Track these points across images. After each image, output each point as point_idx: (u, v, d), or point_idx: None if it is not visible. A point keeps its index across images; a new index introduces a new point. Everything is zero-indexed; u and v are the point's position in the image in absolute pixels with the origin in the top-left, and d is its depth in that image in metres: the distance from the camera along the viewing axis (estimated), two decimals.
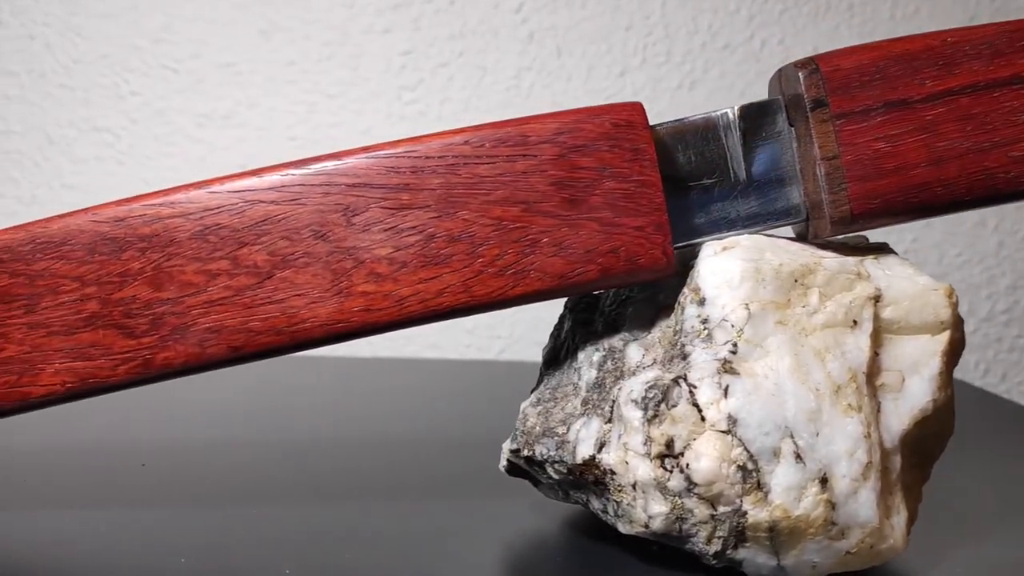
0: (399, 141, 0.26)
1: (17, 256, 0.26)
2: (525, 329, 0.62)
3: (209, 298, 0.26)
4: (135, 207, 0.26)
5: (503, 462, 0.28)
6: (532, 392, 0.28)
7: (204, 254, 0.26)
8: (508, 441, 0.27)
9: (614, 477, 0.24)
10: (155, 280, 0.26)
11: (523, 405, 0.28)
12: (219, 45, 0.61)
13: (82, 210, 0.26)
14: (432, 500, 0.31)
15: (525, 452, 0.26)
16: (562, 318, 0.30)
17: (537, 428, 0.26)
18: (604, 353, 0.27)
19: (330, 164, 0.26)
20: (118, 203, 0.26)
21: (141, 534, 0.27)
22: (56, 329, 0.26)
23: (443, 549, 0.27)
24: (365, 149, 0.26)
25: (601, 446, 0.25)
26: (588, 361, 0.27)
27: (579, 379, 0.27)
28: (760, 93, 0.61)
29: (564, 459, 0.25)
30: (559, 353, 0.28)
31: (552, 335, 0.30)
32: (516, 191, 0.26)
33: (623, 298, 0.28)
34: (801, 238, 0.28)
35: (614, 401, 0.25)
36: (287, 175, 0.26)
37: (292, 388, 0.48)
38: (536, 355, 0.58)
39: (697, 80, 0.61)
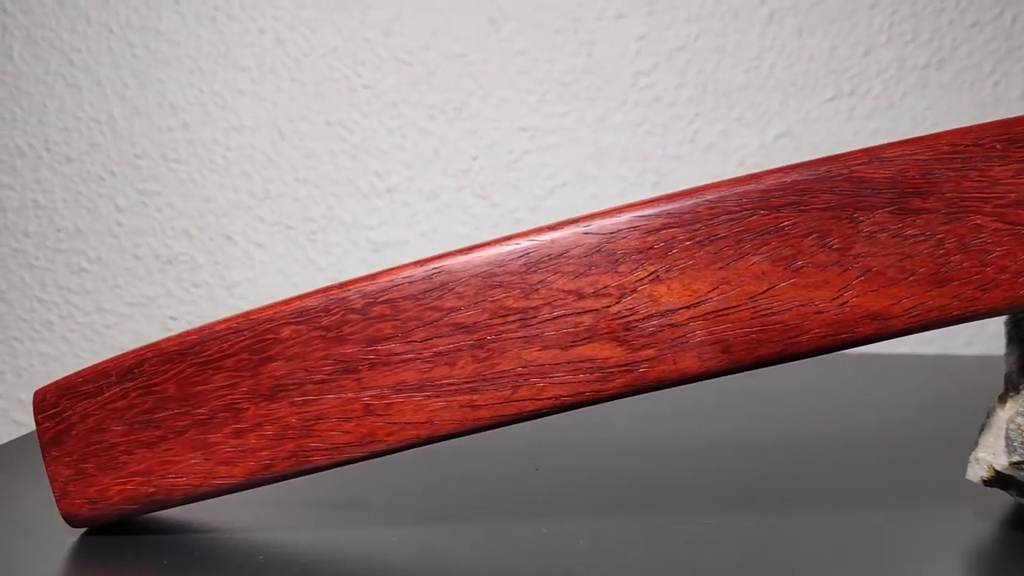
0: (905, 142, 0.25)
1: (510, 270, 0.25)
2: None
3: (710, 309, 0.25)
4: (624, 219, 0.25)
5: (981, 473, 0.27)
6: (1005, 400, 0.27)
7: (703, 264, 0.25)
8: (992, 453, 0.26)
9: None
10: (652, 293, 0.25)
11: (1008, 414, 0.26)
12: (450, 35, 0.60)
13: (570, 221, 0.26)
14: (889, 511, 0.30)
15: None
16: (1019, 323, 0.28)
17: None
18: None
19: (833, 168, 0.25)
20: (604, 214, 0.26)
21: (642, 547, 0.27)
22: (550, 343, 0.25)
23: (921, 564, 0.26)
24: (866, 152, 0.25)
25: None
26: None
27: None
28: (1011, 71, 0.59)
29: None
30: None
31: (1012, 340, 0.28)
32: None
33: None
34: None
35: None
36: (788, 180, 0.25)
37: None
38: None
39: (945, 59, 0.59)
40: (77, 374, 0.27)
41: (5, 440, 0.62)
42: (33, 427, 0.63)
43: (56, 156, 0.62)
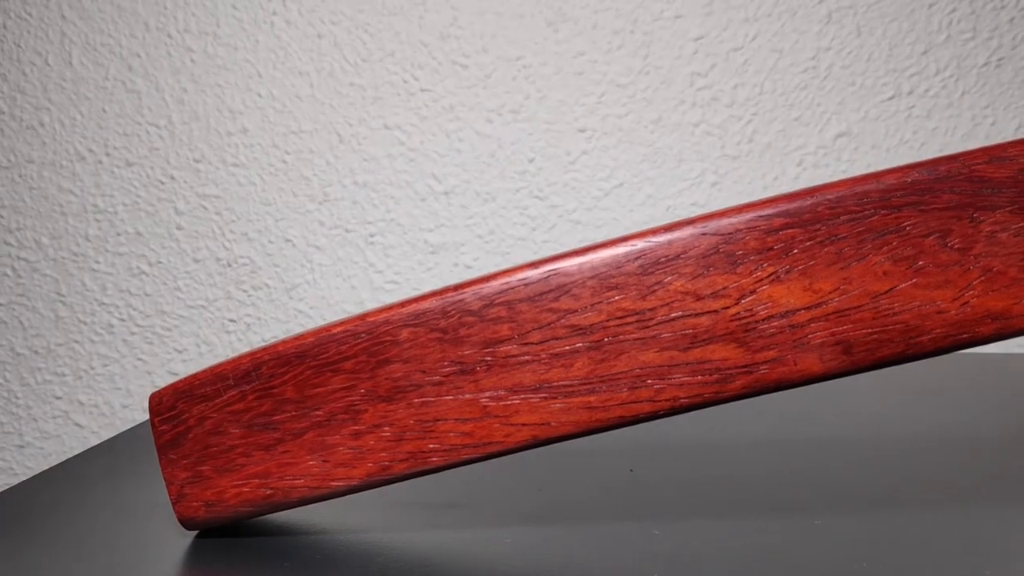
0: None
1: (626, 271, 0.25)
2: None
3: (832, 309, 0.25)
4: (742, 219, 0.25)
5: None
6: None
7: (824, 264, 0.25)
8: None
9: None
10: (772, 294, 0.25)
11: None
12: (507, 38, 0.61)
13: (686, 221, 0.26)
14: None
15: None
16: None
17: None
18: None
19: (953, 168, 0.25)
20: (722, 214, 0.26)
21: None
22: (668, 344, 0.25)
23: None
24: (985, 151, 0.25)
25: None
26: None
27: None
28: None
29: None
30: None
31: None
32: None
33: None
34: None
35: None
36: (909, 180, 0.25)
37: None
38: None
39: (1005, 57, 0.58)
40: (193, 376, 0.27)
41: (68, 441, 0.63)
42: (95, 432, 0.63)
43: (116, 161, 0.63)
